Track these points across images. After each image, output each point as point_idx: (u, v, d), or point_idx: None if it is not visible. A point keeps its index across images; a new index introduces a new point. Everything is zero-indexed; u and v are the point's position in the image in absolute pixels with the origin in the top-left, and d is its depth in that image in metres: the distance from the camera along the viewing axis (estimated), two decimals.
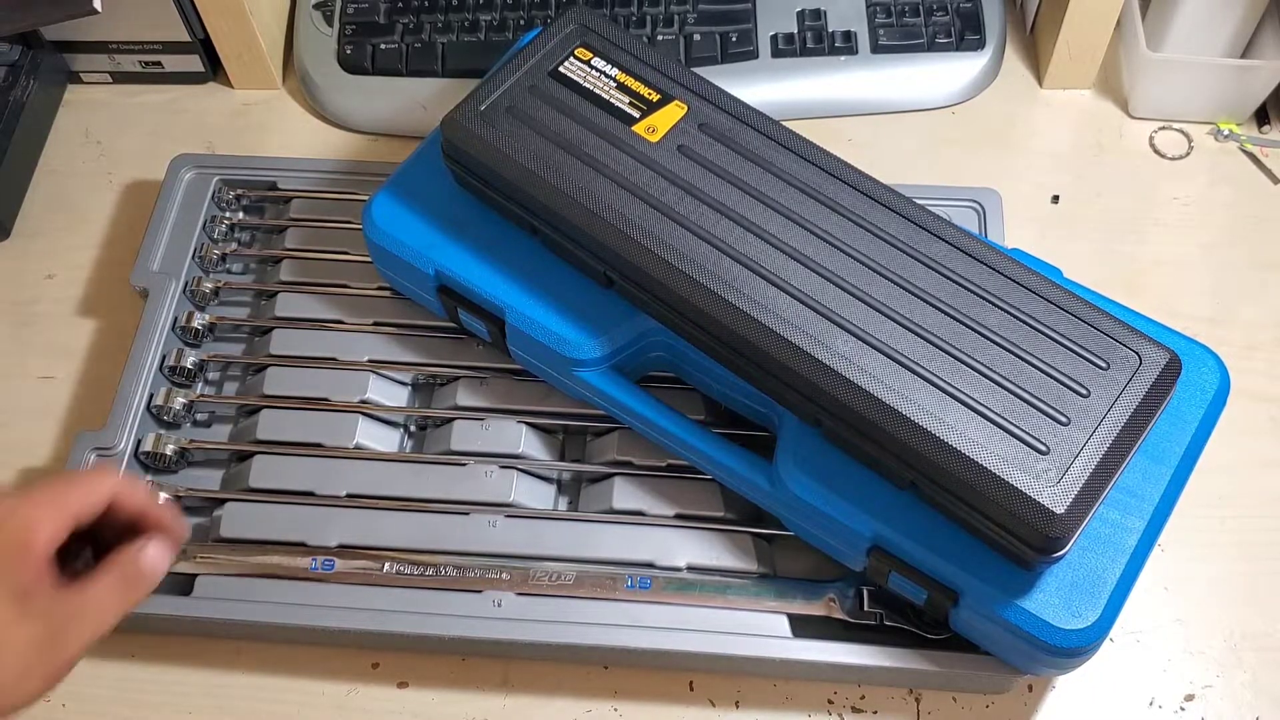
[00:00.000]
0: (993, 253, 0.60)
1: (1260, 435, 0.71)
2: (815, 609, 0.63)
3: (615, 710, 0.64)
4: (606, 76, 0.65)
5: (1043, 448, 0.54)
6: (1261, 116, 0.83)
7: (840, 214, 0.61)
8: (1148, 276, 0.77)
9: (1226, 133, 0.82)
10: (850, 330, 0.57)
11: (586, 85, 0.65)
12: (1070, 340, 0.57)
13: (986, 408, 0.55)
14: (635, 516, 0.66)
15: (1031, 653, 0.56)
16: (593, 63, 0.66)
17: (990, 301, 0.58)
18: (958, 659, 0.60)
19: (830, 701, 0.64)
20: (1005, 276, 0.59)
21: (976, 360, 0.57)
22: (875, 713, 0.63)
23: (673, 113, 0.64)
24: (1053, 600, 0.55)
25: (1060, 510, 0.52)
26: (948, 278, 0.59)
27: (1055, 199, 0.80)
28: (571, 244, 0.63)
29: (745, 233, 0.60)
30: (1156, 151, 0.83)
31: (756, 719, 0.63)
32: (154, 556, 0.51)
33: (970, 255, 0.60)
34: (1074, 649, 0.55)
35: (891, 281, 0.59)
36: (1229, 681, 0.64)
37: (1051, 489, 0.53)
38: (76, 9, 0.76)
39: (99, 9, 0.75)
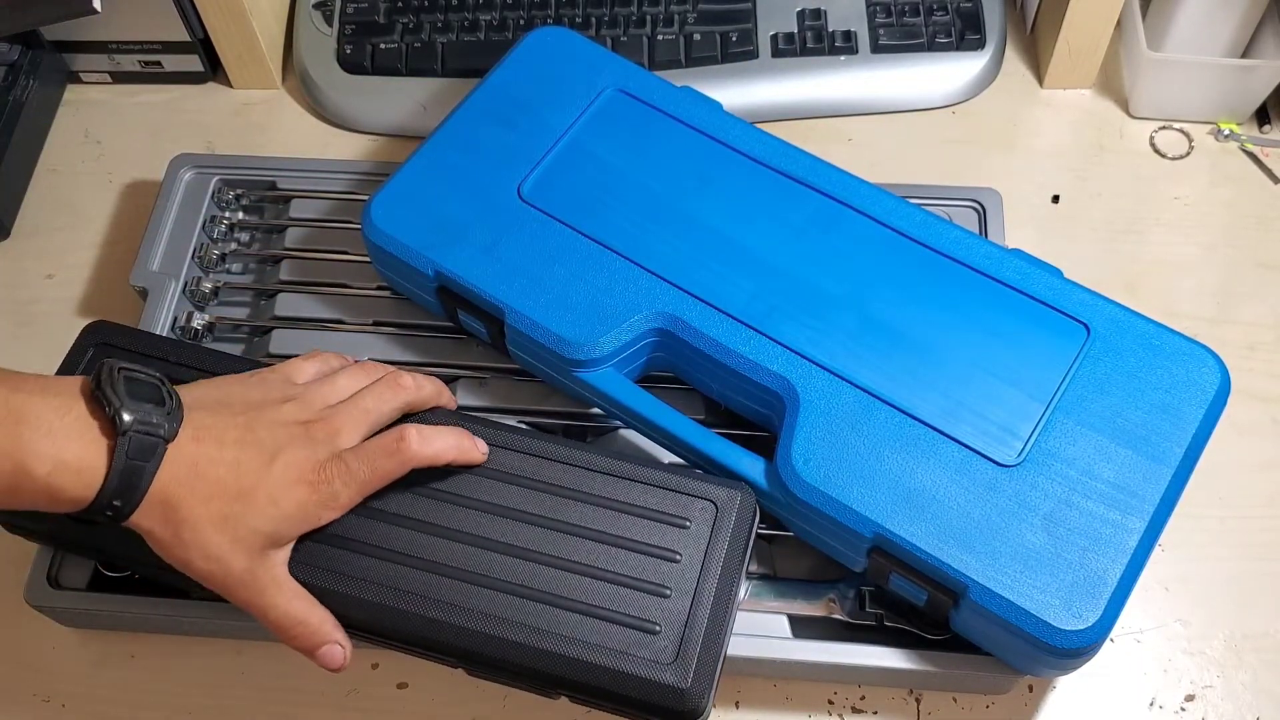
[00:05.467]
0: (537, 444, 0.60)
1: (1260, 435, 0.71)
2: (815, 609, 0.63)
3: None
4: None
5: (655, 627, 0.55)
6: (1262, 116, 0.83)
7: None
8: (1148, 276, 0.77)
9: (1227, 132, 0.82)
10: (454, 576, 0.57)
11: None
12: (649, 510, 0.58)
13: (593, 605, 0.56)
14: None
15: (1032, 653, 0.56)
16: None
17: (569, 497, 0.59)
18: (958, 660, 0.60)
19: (830, 702, 0.64)
20: (579, 467, 0.59)
21: (572, 561, 0.57)
22: (875, 713, 0.63)
23: None
24: (1053, 601, 0.55)
25: (686, 685, 0.54)
26: (526, 486, 0.59)
27: (1056, 199, 0.80)
28: None
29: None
30: (1157, 151, 0.83)
31: (756, 719, 0.63)
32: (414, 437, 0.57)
33: (535, 455, 0.59)
34: (1075, 649, 0.55)
35: (471, 508, 0.58)
36: (1229, 682, 0.64)
37: (672, 666, 0.54)
38: (76, 9, 0.76)
39: (99, 9, 0.75)
